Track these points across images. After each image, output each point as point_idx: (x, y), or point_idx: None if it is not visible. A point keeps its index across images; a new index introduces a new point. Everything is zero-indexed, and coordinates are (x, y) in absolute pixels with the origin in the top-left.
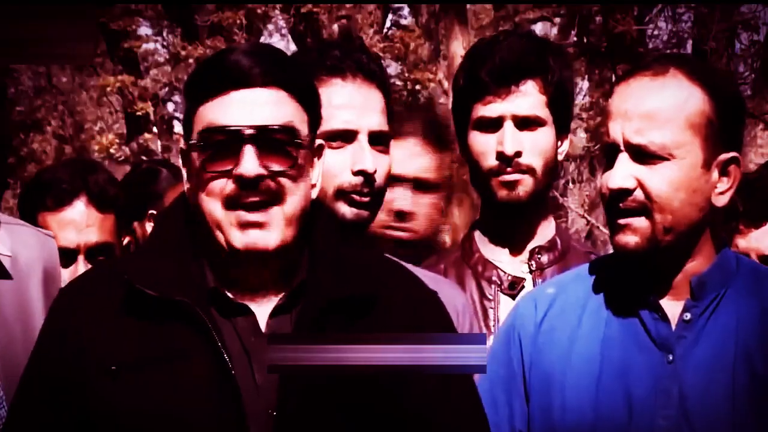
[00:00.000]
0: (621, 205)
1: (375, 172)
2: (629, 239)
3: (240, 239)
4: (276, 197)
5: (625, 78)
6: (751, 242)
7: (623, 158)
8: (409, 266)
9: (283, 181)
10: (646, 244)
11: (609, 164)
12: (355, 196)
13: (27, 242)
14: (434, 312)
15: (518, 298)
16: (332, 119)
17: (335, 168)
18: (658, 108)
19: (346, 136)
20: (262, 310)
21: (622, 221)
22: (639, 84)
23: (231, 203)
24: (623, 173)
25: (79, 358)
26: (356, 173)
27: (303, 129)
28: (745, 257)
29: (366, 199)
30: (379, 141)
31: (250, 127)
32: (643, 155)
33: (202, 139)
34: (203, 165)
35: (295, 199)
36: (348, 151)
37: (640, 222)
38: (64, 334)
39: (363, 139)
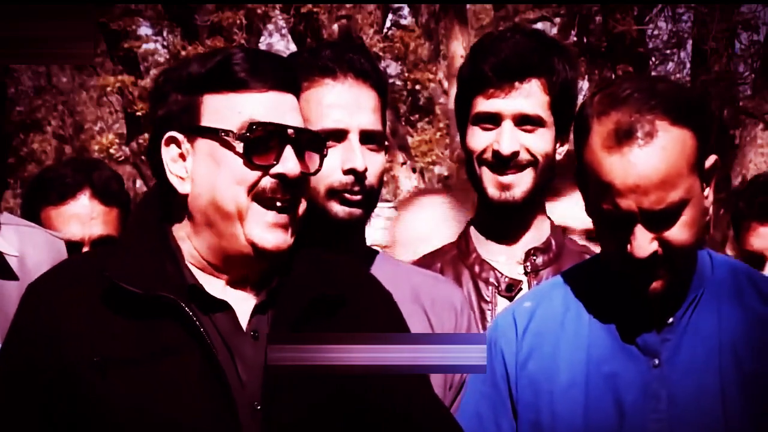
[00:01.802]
0: (646, 264)
1: (366, 170)
2: (657, 285)
3: (265, 239)
4: (298, 199)
5: (613, 145)
6: (766, 241)
7: (642, 227)
8: (410, 265)
9: (305, 185)
10: (671, 284)
11: (619, 231)
12: (346, 194)
13: (35, 243)
14: (391, 311)
15: (513, 301)
16: (324, 118)
17: (326, 167)
18: (667, 172)
19: (337, 135)
20: (240, 307)
21: (647, 273)
22: (635, 153)
23: (264, 199)
24: (647, 240)
25: (58, 351)
26: (347, 172)
27: None
28: (718, 254)
29: (357, 198)
30: (372, 140)
31: (293, 128)
32: (664, 217)
33: (249, 131)
34: (248, 157)
35: (305, 202)
36: (339, 150)
37: (664, 270)
38: (41, 328)
39: (354, 138)
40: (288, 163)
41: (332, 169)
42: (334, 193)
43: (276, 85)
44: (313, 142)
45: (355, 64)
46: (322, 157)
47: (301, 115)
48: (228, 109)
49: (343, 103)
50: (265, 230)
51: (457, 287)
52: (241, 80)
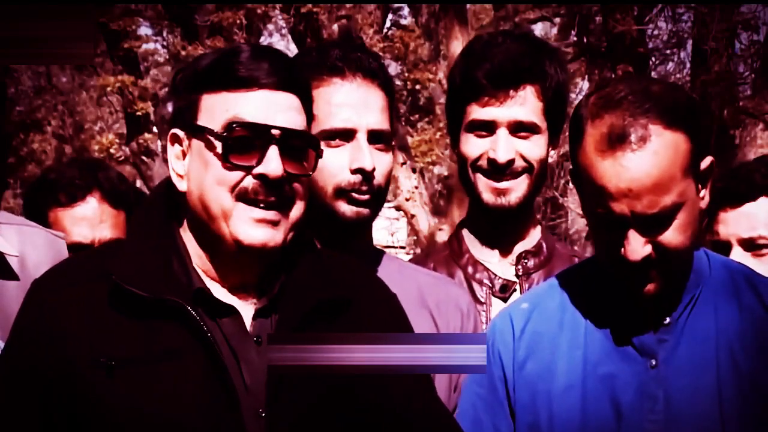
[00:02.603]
0: (639, 267)
1: (374, 169)
2: (650, 287)
3: (251, 235)
4: (289, 200)
5: (606, 149)
6: (730, 227)
7: (635, 230)
8: (416, 266)
9: (296, 185)
10: (665, 286)
11: (612, 234)
12: (354, 194)
13: (36, 243)
14: (395, 312)
15: (508, 302)
16: (332, 118)
17: (334, 167)
18: (660, 176)
19: (345, 135)
20: (244, 311)
21: (641, 275)
22: (628, 157)
23: (248, 199)
24: (640, 244)
25: (60, 351)
26: (354, 171)
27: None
28: (715, 254)
29: (365, 197)
30: (379, 139)
31: (278, 128)
32: (658, 221)
33: (228, 130)
34: (226, 156)
35: (302, 203)
36: (347, 150)
37: (658, 272)
38: (43, 327)
39: (362, 137)
40: (270, 163)
41: (340, 168)
42: (341, 192)
43: (270, 83)
44: (305, 142)
45: (363, 64)
46: (317, 157)
47: (301, 115)
48: (218, 108)
49: (351, 103)
50: (250, 227)
51: (464, 290)
52: (233, 79)
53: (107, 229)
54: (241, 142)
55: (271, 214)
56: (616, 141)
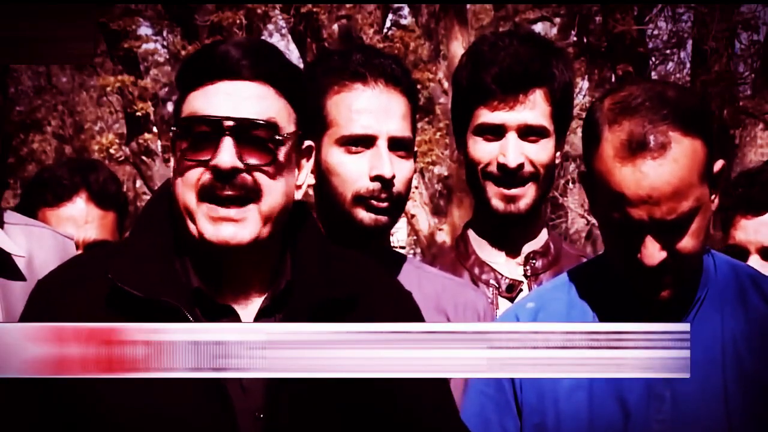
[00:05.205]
0: (655, 271)
1: (393, 177)
2: (665, 293)
3: (213, 232)
4: (252, 193)
5: (626, 156)
6: (750, 234)
7: (652, 236)
8: (434, 269)
9: (260, 176)
10: (679, 290)
11: (628, 239)
12: (373, 201)
13: (44, 244)
14: (407, 309)
15: (515, 302)
16: (352, 124)
17: (353, 173)
18: (679, 183)
19: (366, 142)
20: (245, 311)
21: (656, 280)
22: (648, 165)
23: (206, 195)
24: (656, 249)
25: None
26: (374, 179)
27: (288, 126)
28: (719, 254)
29: (384, 205)
30: (400, 146)
31: (230, 118)
32: (675, 226)
33: (183, 127)
34: (184, 153)
35: (272, 196)
36: (366, 157)
37: (672, 277)
38: None
39: (382, 144)
40: (221, 155)
41: (359, 175)
42: (360, 199)
43: (232, 74)
44: (267, 131)
45: (386, 70)
46: (279, 145)
47: (266, 103)
48: (184, 107)
49: (372, 109)
50: (212, 225)
51: (480, 292)
52: (200, 74)
53: (93, 229)
54: (196, 137)
55: (232, 212)
56: (637, 148)
